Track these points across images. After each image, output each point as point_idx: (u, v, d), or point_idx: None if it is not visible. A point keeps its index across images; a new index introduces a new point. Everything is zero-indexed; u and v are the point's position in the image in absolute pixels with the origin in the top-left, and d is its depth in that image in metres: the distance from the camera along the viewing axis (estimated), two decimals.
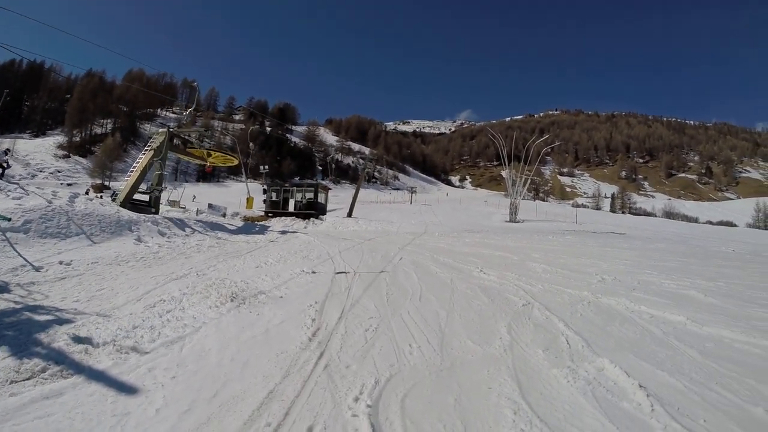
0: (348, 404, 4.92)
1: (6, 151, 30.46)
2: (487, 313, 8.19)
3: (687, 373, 5.41)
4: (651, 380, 5.16)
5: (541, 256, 15.85)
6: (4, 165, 26.03)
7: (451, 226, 33.73)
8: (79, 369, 6.40)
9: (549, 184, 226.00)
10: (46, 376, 6.22)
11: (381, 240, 20.72)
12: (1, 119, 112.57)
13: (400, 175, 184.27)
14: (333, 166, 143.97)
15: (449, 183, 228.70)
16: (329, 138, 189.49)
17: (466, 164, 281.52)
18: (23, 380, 6.08)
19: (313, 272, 12.21)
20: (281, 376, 5.83)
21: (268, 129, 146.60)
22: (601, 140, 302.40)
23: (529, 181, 58.10)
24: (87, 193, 24.87)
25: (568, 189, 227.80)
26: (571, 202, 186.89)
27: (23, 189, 17.85)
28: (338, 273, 12.17)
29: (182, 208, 33.64)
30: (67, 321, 8.24)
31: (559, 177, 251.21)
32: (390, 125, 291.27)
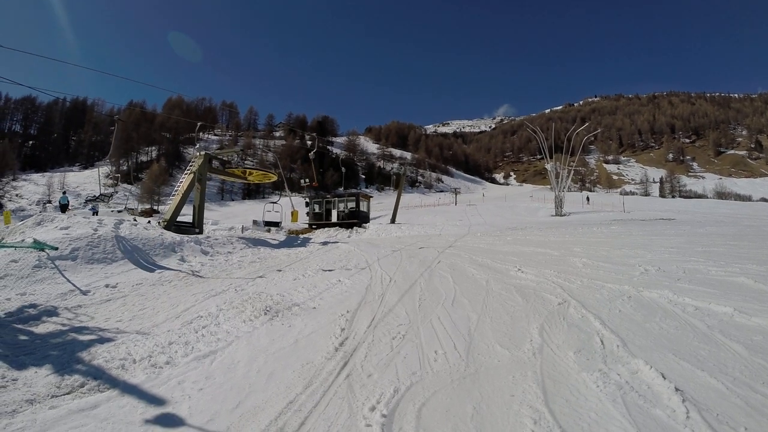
0: (363, 414, 4.84)
1: (102, 195, 32.62)
2: (520, 314, 7.92)
3: (730, 372, 4.95)
4: (689, 382, 4.77)
5: (583, 249, 15.30)
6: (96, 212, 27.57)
7: (495, 224, 33.19)
8: (114, 383, 6.71)
9: (595, 174, 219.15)
10: (84, 390, 6.57)
11: (421, 244, 20.49)
12: (51, 155, 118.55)
13: (444, 177, 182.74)
14: (376, 173, 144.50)
15: (494, 181, 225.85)
16: (370, 146, 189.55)
17: (509, 160, 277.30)
18: (63, 395, 6.47)
19: (349, 282, 12.20)
20: (303, 386, 5.83)
21: (309, 143, 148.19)
22: (645, 123, 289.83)
23: (572, 172, 56.62)
24: (134, 219, 25.66)
25: (614, 177, 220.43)
26: (618, 190, 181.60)
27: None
28: (374, 281, 12.09)
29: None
30: (109, 340, 8.61)
31: (604, 165, 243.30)
32: (429, 128, 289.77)
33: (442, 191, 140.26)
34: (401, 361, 6.20)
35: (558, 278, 10.60)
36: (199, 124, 34.67)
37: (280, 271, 14.82)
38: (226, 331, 8.50)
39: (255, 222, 36.70)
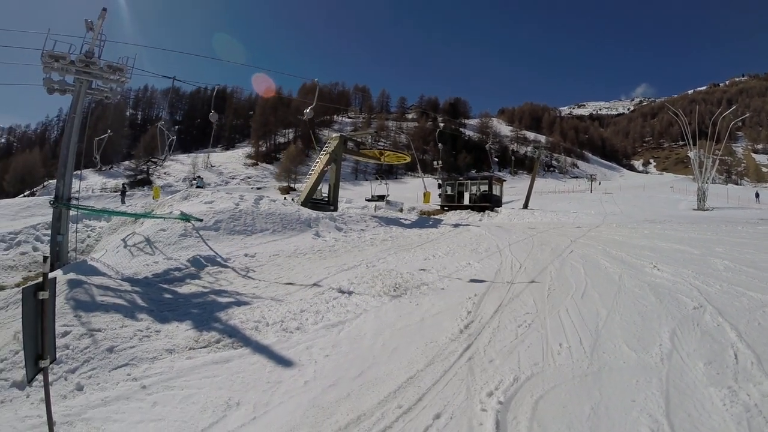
0: (480, 398, 4.98)
1: (199, 177, 35.51)
2: (652, 314, 7.54)
3: None
4: None
5: (726, 250, 13.95)
6: (202, 187, 30.00)
7: (631, 215, 31.19)
8: (247, 342, 7.50)
9: (742, 165, 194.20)
10: (219, 346, 7.43)
11: (554, 232, 19.84)
12: (195, 138, 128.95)
13: (579, 162, 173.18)
14: (509, 156, 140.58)
15: (632, 168, 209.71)
16: (503, 128, 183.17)
17: (648, 146, 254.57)
18: (200, 348, 7.39)
19: (479, 265, 12.19)
20: (425, 363, 6.09)
21: (441, 125, 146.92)
22: None
23: (717, 161, 51.19)
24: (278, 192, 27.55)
25: (765, 169, 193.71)
26: None
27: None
28: (504, 266, 12.02)
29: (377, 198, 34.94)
30: (245, 303, 9.55)
31: (753, 155, 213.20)
32: (564, 110, 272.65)
33: (576, 177, 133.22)
34: (524, 350, 6.23)
35: (695, 280, 9.79)
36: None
37: (410, 250, 15.09)
38: (355, 304, 8.99)
39: (388, 201, 37.29)
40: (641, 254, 13.34)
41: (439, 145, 37.84)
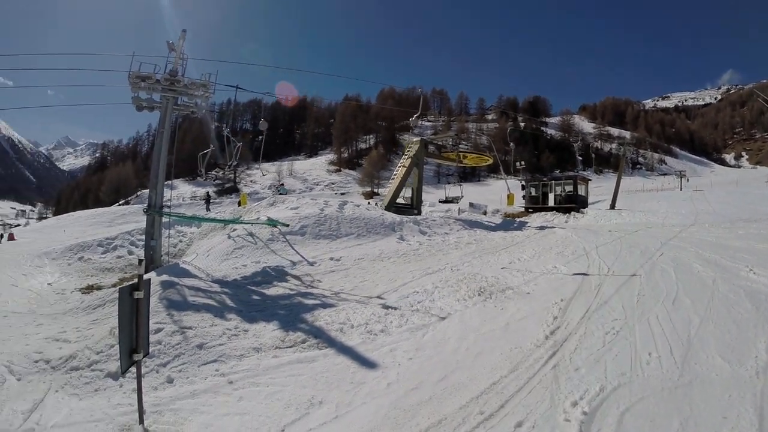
0: (564, 407, 4.87)
1: (281, 185, 36.91)
2: (748, 324, 7.01)
3: None
4: None
5: None
6: (285, 194, 31.03)
7: (725, 214, 29.29)
8: (332, 343, 7.74)
9: None
10: (304, 346, 7.75)
11: (642, 233, 18.86)
12: (278, 147, 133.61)
13: (667, 158, 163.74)
14: (593, 155, 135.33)
15: (723, 162, 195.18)
16: (585, 125, 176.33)
17: (740, 137, 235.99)
18: (286, 347, 7.75)
19: (565, 269, 11.79)
20: (508, 370, 6.03)
21: (522, 124, 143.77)
22: None
23: None
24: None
25: None
26: None
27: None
28: (591, 270, 11.62)
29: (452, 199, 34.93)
30: (330, 305, 9.81)
31: None
32: (648, 103, 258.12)
33: (665, 174, 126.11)
34: (612, 358, 6.01)
35: None
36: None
37: (495, 253, 14.84)
38: (440, 308, 9.01)
39: (471, 204, 36.91)
40: (736, 256, 12.49)
41: (511, 144, 37.10)
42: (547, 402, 5.01)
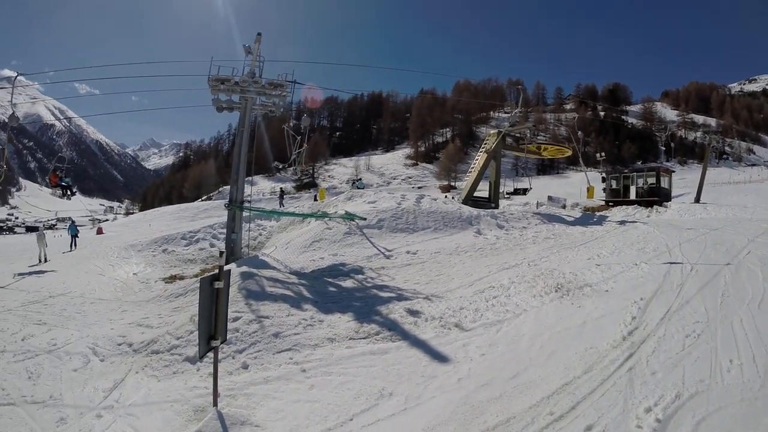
0: (637, 413, 4.67)
1: (360, 180, 37.56)
2: None
3: None
4: None
5: None
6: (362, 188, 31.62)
7: None
8: (405, 336, 7.86)
9: None
10: (378, 338, 7.89)
11: (729, 230, 17.57)
12: (355, 142, 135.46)
13: (756, 147, 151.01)
14: (672, 145, 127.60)
15: None
16: (668, 113, 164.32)
17: None
18: (359, 338, 7.94)
19: (646, 266, 11.25)
20: (582, 370, 5.88)
21: (602, 113, 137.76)
22: None
23: None
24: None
25: None
26: None
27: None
28: (673, 268, 11.00)
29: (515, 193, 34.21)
30: (405, 298, 9.94)
31: None
32: (733, 86, 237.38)
33: (753, 165, 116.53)
34: (690, 364, 5.68)
35: None
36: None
37: (574, 249, 14.39)
38: (515, 304, 8.90)
39: (550, 198, 36.05)
40: None
41: (579, 133, 35.76)
42: (620, 406, 4.84)
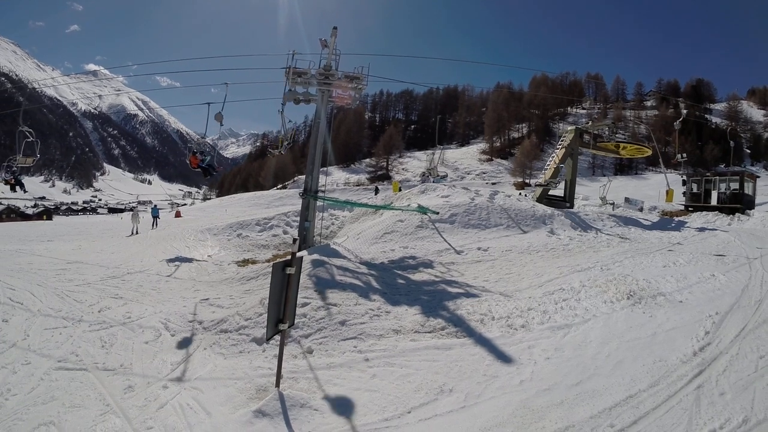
0: None
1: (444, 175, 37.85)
2: None
3: None
4: None
5: None
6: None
7: None
8: (471, 333, 7.85)
9: None
10: (443, 333, 7.96)
11: None
12: (430, 136, 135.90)
13: None
14: (763, 146, 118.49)
15: None
16: (754, 113, 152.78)
17: None
18: (424, 332, 8.01)
19: (724, 278, 10.77)
20: (648, 384, 5.70)
21: (684, 111, 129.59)
22: None
23: None
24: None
25: None
26: None
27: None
28: (753, 282, 10.45)
29: (610, 203, 33.11)
30: (473, 295, 9.90)
31: None
32: None
33: None
34: (762, 387, 5.37)
35: None
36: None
37: (649, 255, 13.62)
38: (585, 308, 8.66)
39: (627, 200, 34.80)
40: None
41: (677, 123, 33.92)
42: (684, 426, 4.68)
